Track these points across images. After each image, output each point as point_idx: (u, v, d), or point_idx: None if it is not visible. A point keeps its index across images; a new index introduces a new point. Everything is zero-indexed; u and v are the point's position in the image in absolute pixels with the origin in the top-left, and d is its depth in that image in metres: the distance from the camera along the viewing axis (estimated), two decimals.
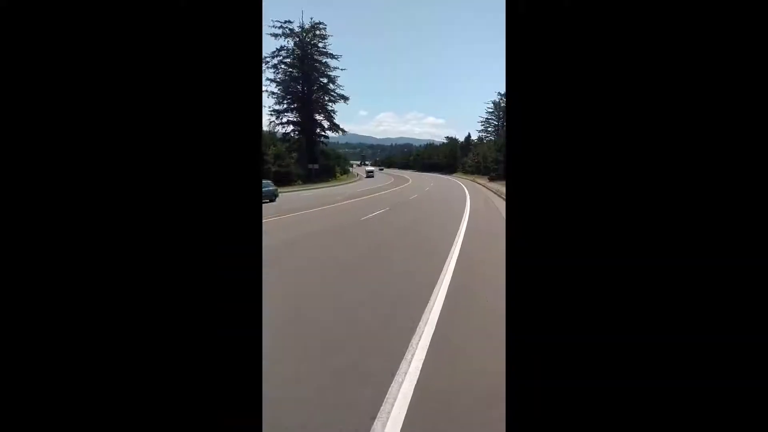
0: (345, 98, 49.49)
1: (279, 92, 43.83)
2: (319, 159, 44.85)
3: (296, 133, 45.46)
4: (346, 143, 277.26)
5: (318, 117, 47.56)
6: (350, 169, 70.54)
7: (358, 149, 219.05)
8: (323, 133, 49.76)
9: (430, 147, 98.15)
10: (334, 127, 50.43)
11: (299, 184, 34.96)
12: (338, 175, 55.23)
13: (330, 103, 49.41)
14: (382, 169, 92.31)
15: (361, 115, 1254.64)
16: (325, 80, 47.42)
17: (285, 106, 44.93)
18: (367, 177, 53.16)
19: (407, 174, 66.07)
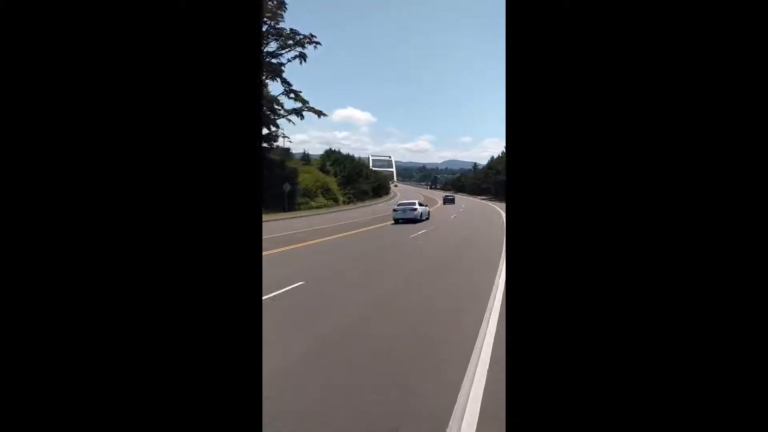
0: (302, 45, 25.83)
1: None
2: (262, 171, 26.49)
3: None
4: (446, 168, 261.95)
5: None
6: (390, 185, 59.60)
7: (457, 174, 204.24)
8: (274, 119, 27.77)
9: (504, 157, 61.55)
10: (294, 103, 27.29)
11: None
12: (313, 202, 34.23)
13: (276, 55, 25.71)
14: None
15: (465, 141, 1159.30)
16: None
17: None
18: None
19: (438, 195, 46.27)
